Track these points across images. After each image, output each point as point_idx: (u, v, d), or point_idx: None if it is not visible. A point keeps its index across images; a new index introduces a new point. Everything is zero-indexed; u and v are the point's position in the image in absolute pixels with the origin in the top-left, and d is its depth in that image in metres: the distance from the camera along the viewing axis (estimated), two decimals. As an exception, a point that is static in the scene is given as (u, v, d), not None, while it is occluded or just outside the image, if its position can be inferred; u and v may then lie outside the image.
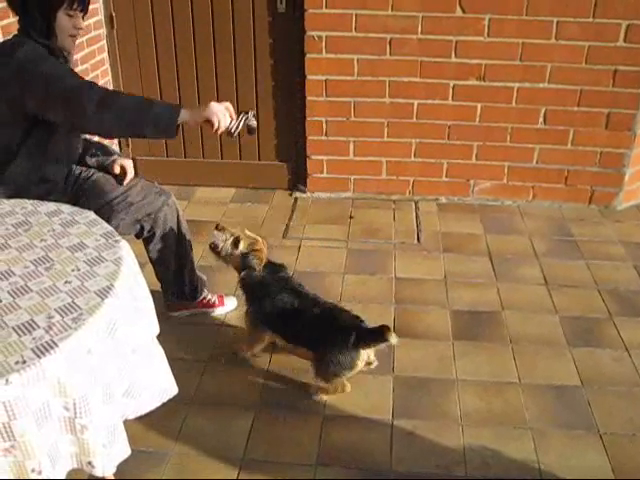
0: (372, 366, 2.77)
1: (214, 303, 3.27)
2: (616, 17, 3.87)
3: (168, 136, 2.47)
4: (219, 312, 3.27)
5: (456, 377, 2.88)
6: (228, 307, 3.30)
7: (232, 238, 2.77)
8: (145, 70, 4.39)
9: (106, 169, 2.91)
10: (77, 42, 2.71)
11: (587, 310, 3.34)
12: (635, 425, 2.63)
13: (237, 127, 2.57)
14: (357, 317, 2.67)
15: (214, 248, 2.81)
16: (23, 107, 2.48)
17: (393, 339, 2.49)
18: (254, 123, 2.65)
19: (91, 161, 2.93)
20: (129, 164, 2.92)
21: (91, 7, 3.97)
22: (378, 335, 2.52)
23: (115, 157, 2.94)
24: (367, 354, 2.66)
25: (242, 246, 2.76)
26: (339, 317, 2.68)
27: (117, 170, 2.89)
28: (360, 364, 2.65)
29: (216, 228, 2.81)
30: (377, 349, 2.68)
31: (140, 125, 2.42)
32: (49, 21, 2.53)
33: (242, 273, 2.79)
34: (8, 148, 2.59)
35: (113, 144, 4.49)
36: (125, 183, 2.86)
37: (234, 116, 2.57)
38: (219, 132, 2.53)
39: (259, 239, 2.82)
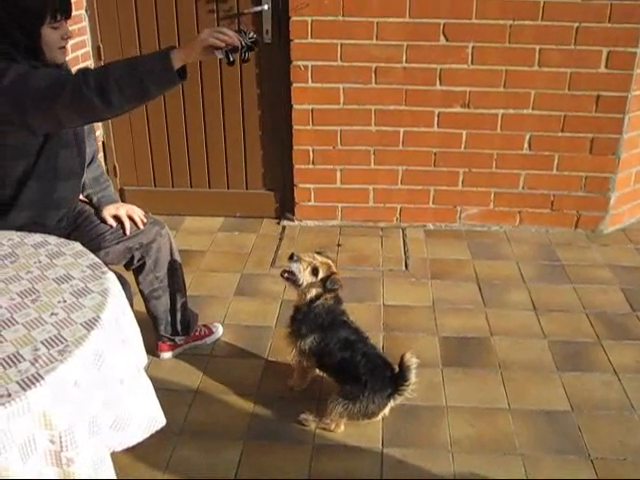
0: None
1: (204, 334, 3.26)
2: (597, 44, 3.93)
3: (174, 84, 2.25)
4: (209, 341, 3.26)
5: (446, 404, 2.87)
6: (216, 335, 3.29)
7: (310, 267, 2.67)
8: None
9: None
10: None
11: (575, 334, 3.35)
12: (625, 449, 2.63)
13: (246, 47, 2.28)
14: (391, 364, 2.69)
15: (290, 278, 2.70)
16: (31, 129, 2.37)
17: (414, 361, 2.56)
18: (253, 35, 2.33)
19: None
20: (122, 214, 2.81)
21: (78, 39, 4.06)
22: (404, 372, 2.56)
23: (103, 210, 2.83)
24: (391, 406, 2.68)
25: (321, 273, 2.69)
26: (381, 363, 2.70)
27: (112, 222, 2.80)
28: (381, 415, 2.68)
29: (290, 258, 2.69)
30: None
31: (142, 89, 2.21)
32: (34, 40, 2.37)
33: (318, 301, 2.71)
34: (24, 174, 2.49)
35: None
36: (128, 232, 2.79)
37: (230, 34, 2.25)
38: (230, 45, 2.25)
39: (331, 262, 2.74)
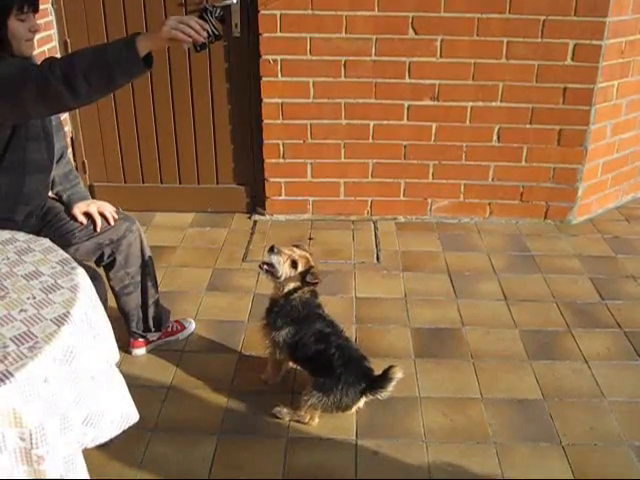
0: None
1: (177, 330, 3.24)
2: (563, 37, 3.97)
3: (141, 72, 2.23)
4: (181, 337, 3.24)
5: (419, 395, 2.89)
6: (189, 330, 3.27)
7: (290, 260, 2.66)
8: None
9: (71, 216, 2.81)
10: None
11: (546, 323, 3.39)
12: (596, 435, 2.67)
13: (213, 28, 2.24)
14: (365, 358, 2.71)
15: (269, 271, 2.68)
16: None
17: (399, 376, 2.55)
18: (220, 11, 2.28)
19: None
20: (93, 210, 2.79)
21: (45, 33, 4.01)
22: (384, 380, 2.56)
23: (73, 207, 2.81)
24: (364, 400, 2.68)
25: (300, 266, 2.67)
26: (355, 356, 2.69)
27: (83, 220, 2.77)
28: (355, 408, 2.68)
29: (271, 251, 2.66)
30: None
31: (109, 78, 2.20)
32: (0, 32, 2.36)
33: (295, 294, 2.71)
34: None
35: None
36: (99, 229, 2.77)
37: (195, 27, 2.21)
38: (196, 41, 2.23)
39: (309, 256, 2.72)
